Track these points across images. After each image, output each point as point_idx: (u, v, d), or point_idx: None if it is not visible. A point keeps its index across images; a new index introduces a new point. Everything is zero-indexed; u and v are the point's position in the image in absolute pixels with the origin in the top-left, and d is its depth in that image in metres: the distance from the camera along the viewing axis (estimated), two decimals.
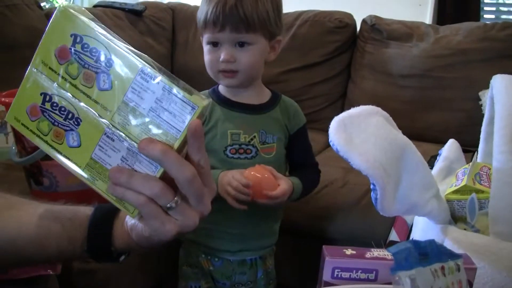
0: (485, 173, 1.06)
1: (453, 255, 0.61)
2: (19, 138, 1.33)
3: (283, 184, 1.23)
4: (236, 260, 1.33)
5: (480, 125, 1.15)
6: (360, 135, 0.87)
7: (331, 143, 0.88)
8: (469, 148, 1.41)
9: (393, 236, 1.38)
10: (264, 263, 1.37)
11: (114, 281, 1.38)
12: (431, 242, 0.59)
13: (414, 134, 2.04)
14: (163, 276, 1.43)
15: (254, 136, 1.26)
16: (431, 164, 1.40)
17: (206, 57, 1.24)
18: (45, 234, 0.73)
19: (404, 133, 0.99)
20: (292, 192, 1.26)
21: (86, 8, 2.59)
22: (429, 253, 0.58)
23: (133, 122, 0.60)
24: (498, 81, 1.01)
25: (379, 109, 0.94)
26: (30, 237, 0.73)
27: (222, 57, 1.20)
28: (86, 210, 0.76)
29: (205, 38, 1.23)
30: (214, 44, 1.22)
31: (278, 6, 1.24)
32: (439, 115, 2.26)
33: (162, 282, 1.58)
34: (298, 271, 1.74)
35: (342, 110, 0.93)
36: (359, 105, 0.93)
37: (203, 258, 1.33)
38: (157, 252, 1.47)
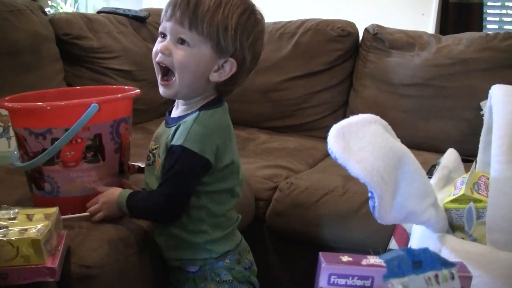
0: (483, 183, 1.07)
1: (447, 263, 0.62)
2: (21, 143, 1.34)
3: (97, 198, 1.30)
4: (176, 266, 1.33)
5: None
6: (358, 143, 0.87)
7: (329, 151, 0.88)
8: (470, 157, 1.41)
9: (393, 244, 1.38)
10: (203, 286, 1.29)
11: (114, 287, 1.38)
12: (425, 250, 0.59)
13: (415, 143, 2.07)
14: (166, 283, 1.43)
15: (157, 147, 1.26)
16: (431, 173, 1.41)
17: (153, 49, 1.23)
18: None
19: (405, 142, 0.99)
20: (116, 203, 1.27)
21: (90, 14, 2.61)
22: (423, 261, 0.58)
23: None
24: (497, 91, 1.02)
25: (377, 117, 0.95)
26: None
27: (159, 47, 1.19)
28: None
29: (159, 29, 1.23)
30: (162, 35, 1.20)
31: (242, 30, 1.16)
32: (440, 124, 2.26)
33: None
34: (297, 279, 1.73)
35: (343, 119, 0.94)
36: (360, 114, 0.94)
37: None
38: (159, 258, 1.46)
